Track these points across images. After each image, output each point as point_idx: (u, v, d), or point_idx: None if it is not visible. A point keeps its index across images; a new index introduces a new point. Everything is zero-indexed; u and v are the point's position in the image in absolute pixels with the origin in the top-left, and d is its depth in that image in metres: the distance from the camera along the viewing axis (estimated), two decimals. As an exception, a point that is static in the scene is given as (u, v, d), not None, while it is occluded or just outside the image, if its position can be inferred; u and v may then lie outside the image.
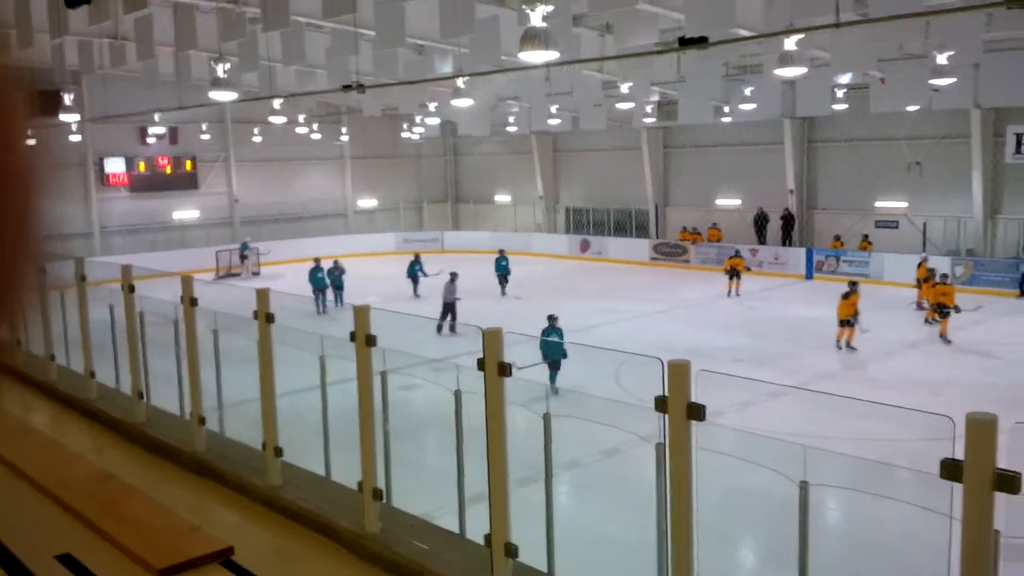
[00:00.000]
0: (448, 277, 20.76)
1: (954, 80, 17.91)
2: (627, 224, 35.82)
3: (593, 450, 10.91)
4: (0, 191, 0.58)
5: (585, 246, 35.21)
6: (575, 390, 11.46)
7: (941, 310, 18.13)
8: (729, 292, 24.76)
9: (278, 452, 6.05)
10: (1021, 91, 19.36)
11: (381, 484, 5.54)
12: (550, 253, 35.55)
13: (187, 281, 6.61)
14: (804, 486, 4.40)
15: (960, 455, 3.12)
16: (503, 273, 25.98)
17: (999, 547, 3.36)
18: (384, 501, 5.55)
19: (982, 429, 3.04)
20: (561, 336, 14.67)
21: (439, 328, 19.42)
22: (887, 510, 8.43)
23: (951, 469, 3.08)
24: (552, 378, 13.39)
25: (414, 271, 25.90)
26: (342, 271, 24.43)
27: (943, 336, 18.12)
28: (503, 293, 25.53)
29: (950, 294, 18.08)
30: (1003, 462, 3.13)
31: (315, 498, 5.74)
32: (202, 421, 6.73)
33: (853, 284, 18.21)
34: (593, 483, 10.45)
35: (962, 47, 16.41)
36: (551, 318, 15.02)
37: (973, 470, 3.02)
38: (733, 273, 25.04)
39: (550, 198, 39.09)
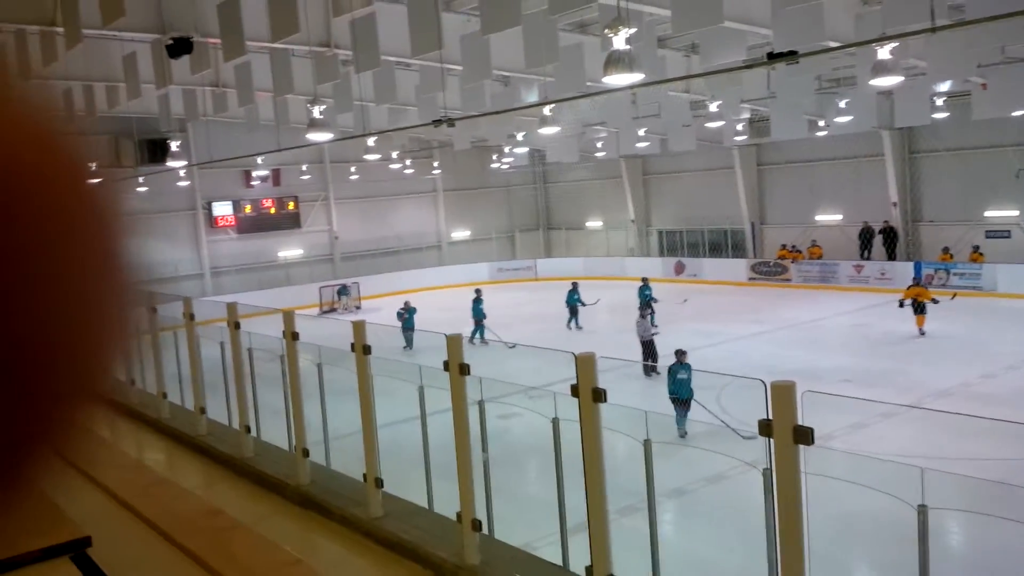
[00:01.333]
0: (639, 313, 19.26)
1: (1063, 80, 17.01)
2: (722, 244, 35.19)
3: (697, 476, 10.69)
4: (81, 237, 0.60)
5: (680, 268, 34.72)
6: (669, 413, 11.29)
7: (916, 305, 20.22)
8: (922, 331, 20.13)
9: (379, 483, 6.15)
10: None
11: (481, 514, 5.56)
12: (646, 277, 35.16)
13: (288, 316, 6.83)
14: (923, 510, 4.23)
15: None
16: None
17: None
18: (484, 531, 5.56)
19: None
20: (690, 373, 13.06)
21: (646, 372, 17.23)
22: (1010, 533, 7.97)
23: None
24: (680, 421, 12.56)
25: (573, 300, 24.57)
26: (412, 310, 23.53)
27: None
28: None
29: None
30: None
31: (416, 529, 5.80)
32: (306, 454, 6.90)
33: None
34: (698, 511, 10.23)
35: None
36: (679, 353, 13.60)
37: None
38: (918, 307, 20.27)
39: (642, 221, 38.80)
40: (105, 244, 0.60)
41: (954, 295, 20.87)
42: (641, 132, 28.92)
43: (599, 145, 32.05)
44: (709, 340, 20.53)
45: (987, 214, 27.64)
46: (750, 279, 31.93)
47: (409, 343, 21.30)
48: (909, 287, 20.98)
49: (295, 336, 6.80)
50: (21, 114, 0.57)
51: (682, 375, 13.05)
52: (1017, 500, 9.41)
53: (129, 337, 0.65)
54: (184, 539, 5.78)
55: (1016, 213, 26.90)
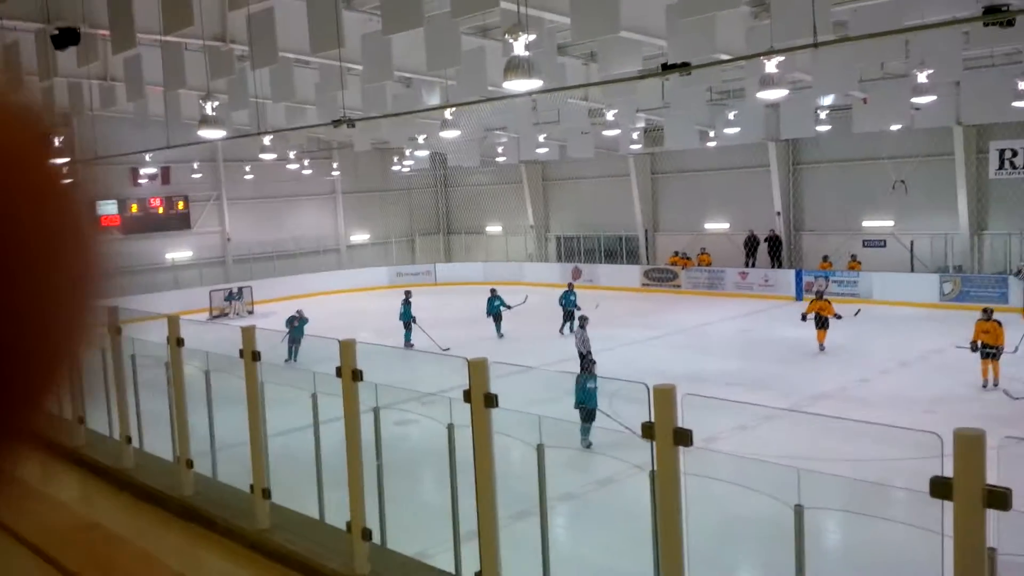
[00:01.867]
0: (577, 322, 18.34)
1: (935, 98, 18.15)
2: (617, 250, 35.93)
3: (588, 480, 10.87)
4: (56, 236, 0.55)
5: (577, 274, 35.25)
6: (567, 420, 11.44)
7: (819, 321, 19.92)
8: (823, 346, 19.77)
9: (266, 494, 6.01)
10: (1002, 107, 19.63)
11: (374, 523, 5.50)
12: (542, 282, 35.52)
13: (173, 321, 6.60)
14: (799, 510, 4.40)
15: (950, 472, 3.12)
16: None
17: (996, 565, 3.35)
18: (378, 541, 5.50)
19: (970, 445, 3.04)
20: (596, 382, 13.04)
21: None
22: (883, 530, 8.42)
23: (940, 487, 3.08)
24: (585, 431, 12.39)
25: (495, 308, 23.69)
26: (304, 320, 21.52)
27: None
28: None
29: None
30: (993, 478, 3.14)
31: (304, 540, 5.69)
32: (190, 464, 6.68)
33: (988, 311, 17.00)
34: (589, 514, 10.40)
35: (942, 65, 16.66)
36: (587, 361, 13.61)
37: (962, 487, 3.01)
38: (820, 322, 19.89)
39: (540, 227, 39.22)
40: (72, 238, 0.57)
41: (858, 311, 20.13)
42: (541, 138, 29.26)
43: (500, 150, 32.28)
44: (604, 345, 20.87)
45: (865, 224, 29.18)
46: (643, 285, 32.72)
47: (293, 356, 19.80)
48: (812, 300, 20.60)
49: (180, 342, 6.58)
50: None
51: (591, 384, 12.98)
52: (891, 499, 9.95)
53: (81, 369, 0.59)
54: (58, 554, 5.51)
55: (891, 223, 28.51)
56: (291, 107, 22.13)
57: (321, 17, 13.97)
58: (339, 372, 5.23)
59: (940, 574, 3.40)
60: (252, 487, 6.04)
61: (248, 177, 34.67)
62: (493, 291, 24.23)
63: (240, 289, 32.54)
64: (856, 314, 19.75)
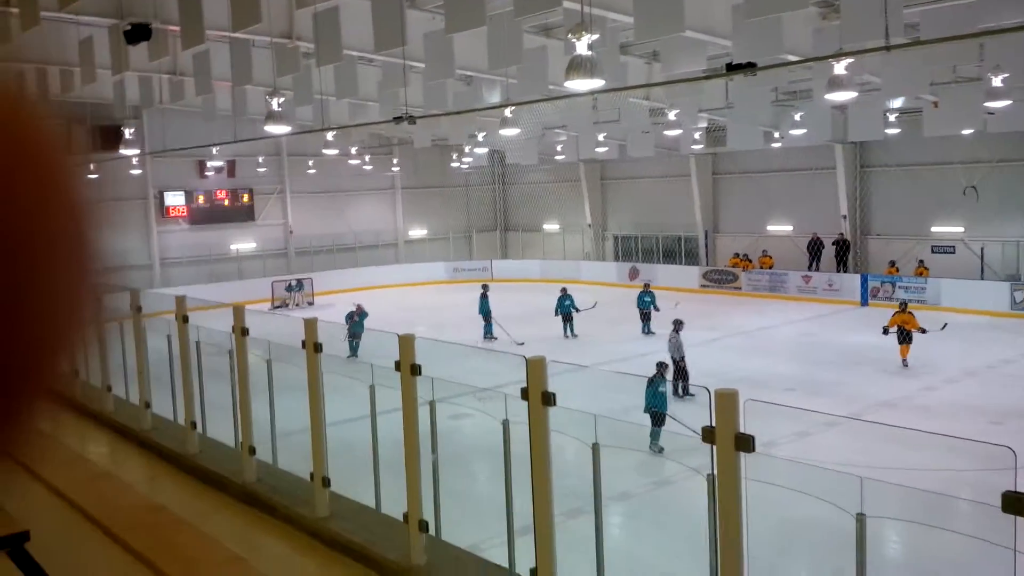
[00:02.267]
0: (672, 327, 17.25)
1: (1009, 102, 17.53)
2: (676, 251, 35.58)
3: (645, 481, 10.80)
4: (56, 226, 0.58)
5: (634, 274, 35.00)
6: (624, 420, 11.37)
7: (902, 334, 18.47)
8: (906, 362, 18.36)
9: (326, 483, 6.11)
10: (1081, 112, 18.89)
11: (429, 515, 5.55)
12: (599, 281, 35.42)
13: (239, 311, 6.74)
14: (861, 518, 4.32)
15: (1023, 487, 3.03)
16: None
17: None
18: (433, 533, 5.54)
19: None
20: (667, 386, 12.87)
21: (676, 392, 15.83)
22: (947, 543, 8.19)
23: (1014, 502, 2.99)
24: (655, 435, 12.18)
25: (566, 307, 23.19)
26: (364, 315, 20.82)
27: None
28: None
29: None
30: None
31: (362, 530, 5.76)
32: (252, 451, 6.82)
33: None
34: (645, 515, 10.33)
35: (1017, 69, 16.11)
36: (660, 365, 13.46)
37: None
38: (903, 336, 18.44)
39: (598, 226, 39.05)
40: (74, 229, 0.60)
41: (945, 325, 18.45)
42: (600, 137, 29.12)
43: (559, 148, 32.21)
44: (662, 346, 20.74)
45: (933, 229, 28.37)
46: (702, 286, 32.33)
47: (354, 351, 19.15)
48: (895, 313, 18.88)
49: (245, 331, 6.72)
50: None
51: (662, 388, 12.85)
52: (955, 511, 9.68)
53: (90, 329, 0.64)
54: (124, 534, 5.68)
55: (961, 229, 27.66)
56: (354, 103, 22.39)
57: (385, 16, 14.11)
58: (398, 366, 5.28)
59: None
60: (312, 475, 6.13)
61: (311, 171, 35.27)
62: (564, 290, 23.70)
63: (300, 281, 33.13)
64: (943, 328, 18.20)
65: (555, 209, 40.23)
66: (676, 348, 16.70)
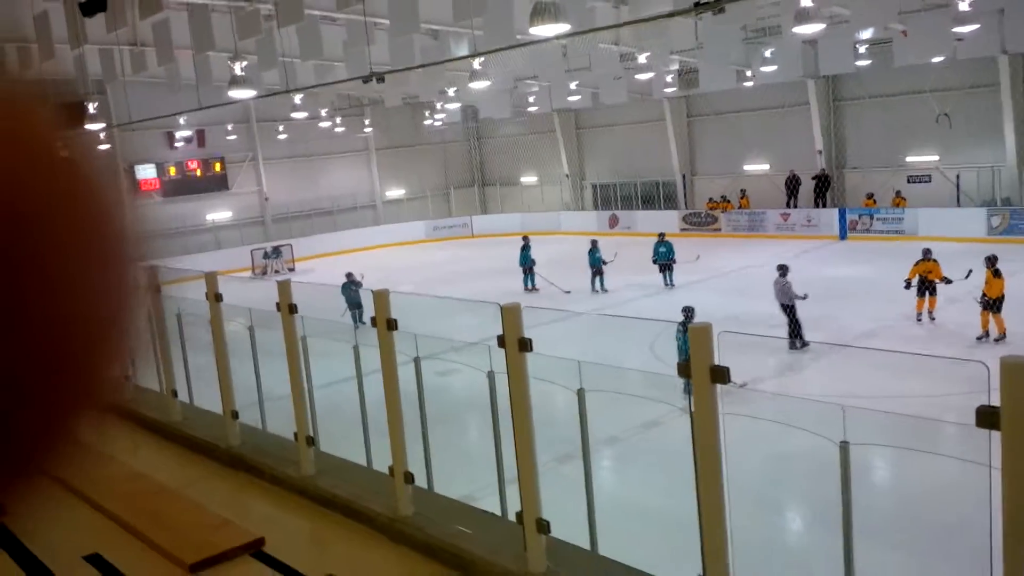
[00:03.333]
0: (777, 271, 15.83)
1: (978, 27, 17.50)
2: (655, 196, 35.57)
3: (633, 424, 10.92)
4: (92, 217, 0.55)
5: (614, 221, 35.03)
6: (610, 364, 11.47)
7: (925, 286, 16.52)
8: (920, 316, 16.62)
9: (310, 441, 6.14)
10: (1051, 33, 18.88)
11: (420, 470, 5.59)
12: (579, 231, 35.43)
13: (211, 278, 6.71)
14: (844, 446, 4.39)
15: (997, 402, 3.07)
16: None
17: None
18: (426, 487, 5.59)
19: (1018, 372, 2.98)
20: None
21: (793, 344, 14.91)
22: (931, 465, 8.37)
23: (988, 416, 3.03)
24: (690, 388, 12.02)
25: (596, 260, 22.13)
26: (358, 285, 19.55)
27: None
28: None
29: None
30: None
31: (349, 485, 5.81)
32: (235, 415, 6.84)
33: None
34: (634, 457, 10.47)
35: (986, -8, 16.05)
36: (686, 310, 13.40)
37: (1010, 415, 2.96)
38: (926, 287, 16.55)
39: (576, 176, 38.93)
40: (108, 219, 0.56)
41: (969, 272, 15.79)
42: (573, 85, 28.88)
43: (531, 100, 31.95)
44: (644, 291, 20.86)
45: (909, 159, 28.47)
46: (682, 230, 32.39)
47: (359, 319, 17.43)
48: (917, 262, 16.58)
49: (218, 297, 6.69)
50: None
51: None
52: (939, 434, 9.87)
53: (135, 333, 0.59)
54: (107, 503, 5.70)
55: (936, 157, 27.77)
56: (320, 65, 22.08)
57: (346, -29, 13.86)
58: (374, 322, 5.28)
59: (989, 505, 3.37)
60: (296, 435, 6.16)
61: (282, 137, 34.88)
62: (594, 243, 22.69)
63: (277, 248, 32.83)
64: (967, 276, 15.82)
65: (532, 161, 40.03)
66: (784, 293, 15.34)
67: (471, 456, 7.74)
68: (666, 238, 23.04)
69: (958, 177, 27.10)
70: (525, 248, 23.69)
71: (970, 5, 16.37)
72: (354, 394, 6.78)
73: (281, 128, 34.34)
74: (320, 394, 7.08)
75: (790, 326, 14.97)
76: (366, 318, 17.25)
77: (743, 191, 32.23)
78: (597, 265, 22.05)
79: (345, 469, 6.18)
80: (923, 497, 8.72)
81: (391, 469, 5.37)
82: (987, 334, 14.67)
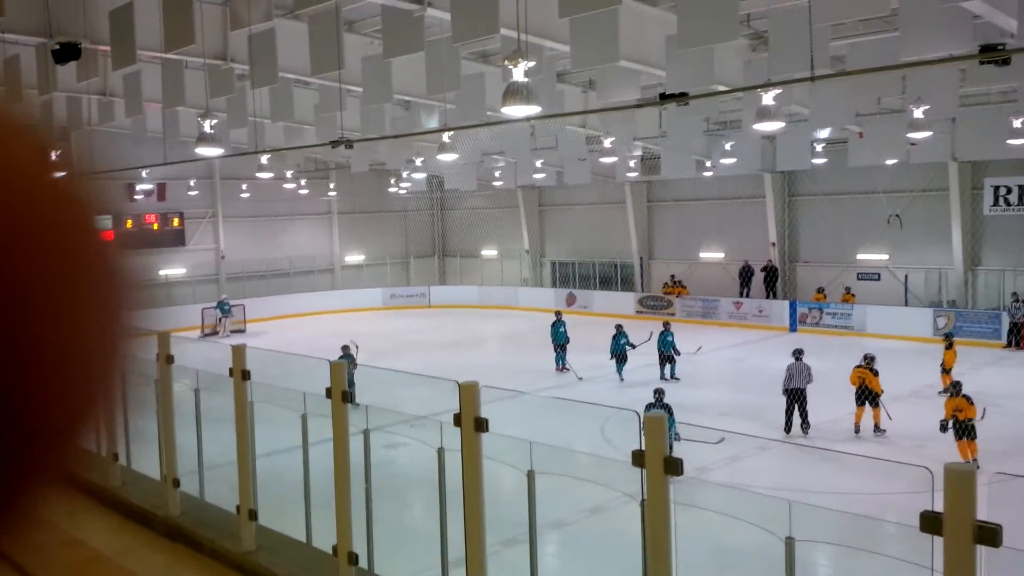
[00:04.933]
0: (792, 357, 16.01)
1: (931, 134, 18.24)
2: (612, 277, 35.98)
3: (580, 508, 10.79)
4: (81, 264, 0.50)
5: (571, 300, 35.26)
6: (560, 446, 11.38)
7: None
8: (858, 428, 15.67)
9: (252, 515, 5.95)
10: (997, 144, 19.78)
11: (362, 547, 5.43)
12: (537, 307, 35.55)
13: (163, 338, 6.57)
14: (790, 542, 4.37)
15: (940, 507, 3.09)
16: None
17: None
18: (365, 566, 5.43)
19: (961, 480, 3.01)
20: (671, 413, 12.31)
21: (788, 427, 15.32)
22: (874, 565, 8.36)
23: (931, 522, 3.05)
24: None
25: (620, 347, 20.56)
26: (352, 360, 17.14)
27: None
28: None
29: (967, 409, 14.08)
30: (984, 514, 3.10)
31: (289, 564, 5.63)
32: (176, 483, 6.62)
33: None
34: (580, 542, 10.31)
35: (938, 101, 16.79)
36: (658, 392, 13.61)
37: (952, 522, 2.98)
38: (866, 395, 15.66)
39: (536, 252, 39.29)
40: (99, 267, 0.52)
41: (984, 412, 14.37)
42: (538, 163, 29.39)
43: (497, 174, 32.39)
44: (599, 372, 20.89)
45: (859, 256, 29.28)
46: (638, 312, 32.69)
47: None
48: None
49: (169, 359, 6.54)
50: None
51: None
52: (882, 534, 9.89)
53: (115, 395, 0.52)
54: (40, 571, 5.44)
55: (886, 256, 28.61)
56: (289, 127, 22.19)
57: (322, 39, 14.06)
58: (328, 393, 5.19)
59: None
60: (238, 508, 5.97)
61: (244, 195, 34.73)
62: (619, 327, 21.03)
63: (226, 301, 32.05)
64: (983, 416, 14.33)
65: (493, 235, 40.35)
66: (801, 377, 15.70)
67: (415, 535, 7.57)
68: (670, 327, 21.52)
69: (906, 277, 27.91)
70: (557, 324, 22.20)
71: (924, 113, 17.10)
72: (296, 463, 6.61)
73: (244, 187, 34.24)
74: (261, 463, 6.89)
75: (800, 410, 15.57)
76: (359, 399, 16.49)
77: (675, 279, 32.95)
78: (621, 351, 20.52)
79: (287, 546, 5.98)
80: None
81: (335, 548, 5.22)
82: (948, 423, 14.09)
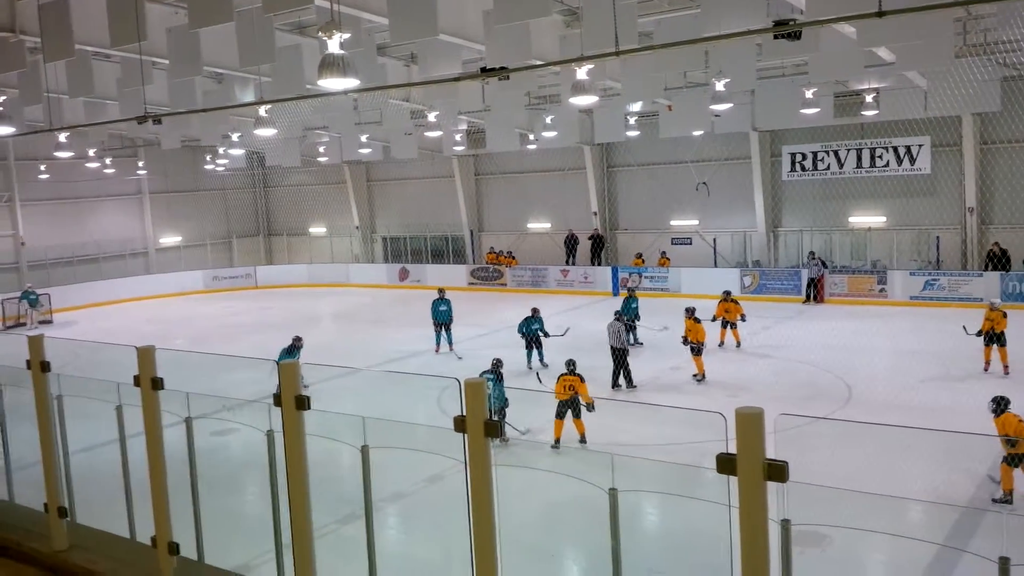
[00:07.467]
0: (614, 316, 17.42)
1: (732, 105, 19.48)
2: (444, 250, 36.18)
3: (418, 478, 10.92)
4: None
5: (404, 274, 35.18)
6: (398, 419, 11.44)
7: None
8: (722, 343, 19.65)
9: (62, 513, 5.65)
10: (792, 114, 21.43)
11: (191, 539, 5.28)
12: (370, 283, 35.22)
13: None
14: (613, 493, 4.62)
15: (734, 449, 3.34)
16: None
17: (790, 535, 3.66)
18: (195, 557, 5.29)
19: (749, 422, 3.24)
20: (501, 380, 13.08)
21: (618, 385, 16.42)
22: (692, 509, 9.00)
23: (726, 463, 3.31)
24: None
25: (532, 330, 18.65)
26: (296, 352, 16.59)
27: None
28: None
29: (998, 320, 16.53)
30: (773, 453, 3.41)
31: (108, 559, 5.39)
32: (-28, 486, 6.16)
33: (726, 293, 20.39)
34: (419, 512, 10.45)
35: (738, 75, 17.91)
36: (495, 361, 13.82)
37: (744, 462, 3.24)
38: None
39: (366, 227, 38.81)
40: None
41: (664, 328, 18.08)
42: (364, 138, 28.96)
43: (322, 150, 31.65)
44: (432, 344, 21.04)
45: (673, 223, 30.98)
46: (470, 284, 33.10)
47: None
48: (986, 316, 16.62)
49: (-39, 356, 6.06)
50: None
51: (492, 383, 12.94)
52: (699, 479, 10.62)
53: None
54: None
55: (696, 222, 30.45)
56: (90, 102, 20.73)
57: (120, 8, 13.22)
58: (137, 381, 4.99)
59: (730, 546, 3.67)
60: (46, 506, 5.65)
61: (43, 177, 32.14)
62: (535, 311, 19.09)
63: (32, 291, 29.56)
64: (662, 330, 20.09)
65: (321, 212, 39.48)
66: (616, 336, 16.93)
67: (248, 522, 7.43)
68: (635, 294, 21.40)
69: (715, 240, 29.81)
70: (438, 302, 20.96)
71: (725, 86, 18.20)
72: (118, 458, 6.31)
73: (43, 167, 31.68)
74: (79, 459, 6.53)
75: (618, 369, 16.57)
76: (176, 385, 15.63)
77: (509, 252, 33.58)
78: (533, 334, 18.67)
79: (103, 542, 5.71)
80: (687, 539, 9.33)
81: (154, 540, 5.04)
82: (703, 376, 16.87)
